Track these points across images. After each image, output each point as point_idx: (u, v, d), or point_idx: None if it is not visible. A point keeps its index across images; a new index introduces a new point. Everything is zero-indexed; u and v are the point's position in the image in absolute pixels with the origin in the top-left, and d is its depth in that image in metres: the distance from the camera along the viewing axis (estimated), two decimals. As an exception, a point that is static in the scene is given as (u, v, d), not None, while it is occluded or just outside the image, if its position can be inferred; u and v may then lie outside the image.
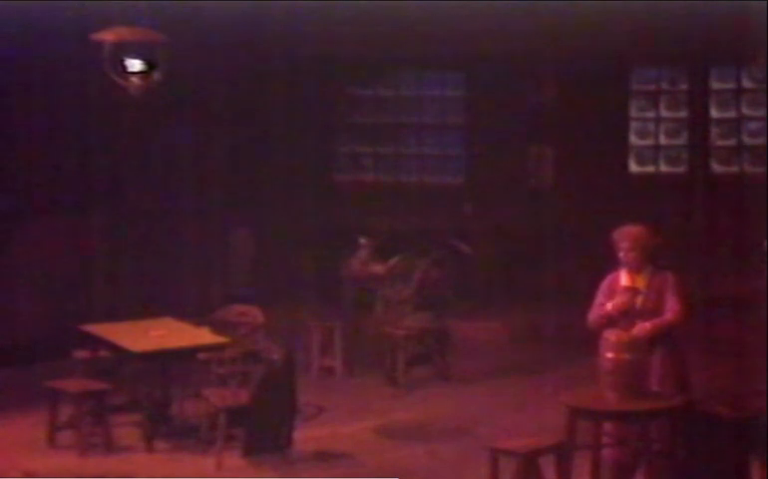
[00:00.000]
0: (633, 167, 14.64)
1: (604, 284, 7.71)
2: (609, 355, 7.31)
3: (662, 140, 14.62)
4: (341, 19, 13.45)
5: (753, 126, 14.10)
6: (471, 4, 13.02)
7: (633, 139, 14.66)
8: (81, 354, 9.66)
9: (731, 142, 14.26)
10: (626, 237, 7.62)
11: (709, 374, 8.85)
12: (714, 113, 14.36)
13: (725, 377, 9.45)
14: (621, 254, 7.61)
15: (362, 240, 12.28)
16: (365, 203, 14.74)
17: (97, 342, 9.44)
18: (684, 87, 14.47)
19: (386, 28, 13.79)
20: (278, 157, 14.69)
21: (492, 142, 14.68)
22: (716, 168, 14.33)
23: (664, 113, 14.60)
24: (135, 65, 9.29)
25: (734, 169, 14.18)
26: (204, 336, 9.40)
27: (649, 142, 14.65)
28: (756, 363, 9.29)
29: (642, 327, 7.42)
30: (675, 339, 7.61)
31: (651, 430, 7.33)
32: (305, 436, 9.13)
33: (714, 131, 14.37)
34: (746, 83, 14.20)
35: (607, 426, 7.42)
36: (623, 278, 7.64)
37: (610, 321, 7.55)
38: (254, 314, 9.69)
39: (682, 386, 7.55)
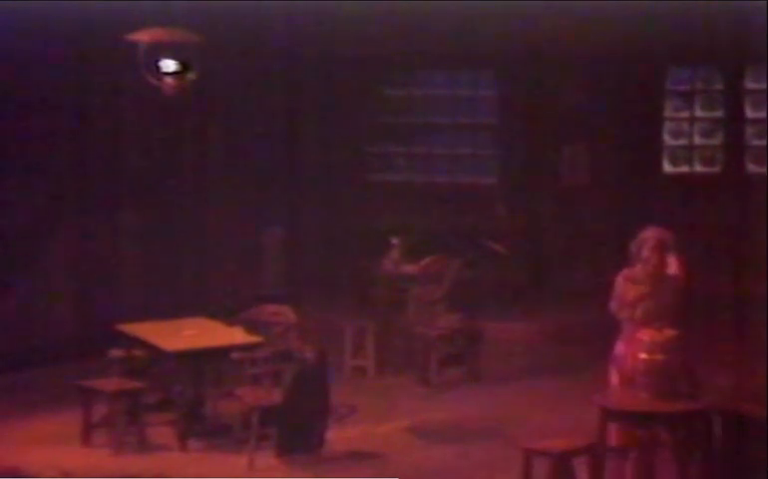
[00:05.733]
0: (667, 167, 14.56)
1: (621, 277, 7.66)
2: (643, 356, 7.31)
3: (697, 140, 14.53)
4: (374, 19, 13.46)
5: (789, 125, 14.00)
6: (504, 3, 12.99)
7: (667, 139, 14.58)
8: (115, 353, 9.71)
9: (766, 142, 14.15)
10: (650, 242, 7.60)
11: (738, 373, 8.80)
12: (749, 112, 14.26)
13: (754, 376, 9.37)
14: (646, 255, 7.58)
15: (394, 241, 12.27)
16: (397, 203, 14.75)
17: (131, 342, 9.50)
18: (719, 86, 14.38)
19: (418, 28, 13.79)
20: (311, 157, 14.72)
21: (525, 141, 14.65)
22: (751, 167, 14.23)
23: (699, 113, 14.51)
24: (169, 65, 9.32)
25: (770, 169, 14.08)
26: (237, 336, 9.44)
27: (684, 142, 14.56)
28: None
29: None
30: (685, 337, 7.57)
31: (684, 431, 7.29)
32: (337, 436, 9.14)
33: (749, 130, 14.27)
34: (781, 82, 14.09)
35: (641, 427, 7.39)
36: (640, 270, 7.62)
37: (635, 312, 7.50)
38: (287, 314, 9.72)
39: (695, 385, 7.51)
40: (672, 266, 7.60)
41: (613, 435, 7.40)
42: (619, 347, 7.67)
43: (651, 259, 7.54)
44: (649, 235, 7.63)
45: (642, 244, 7.61)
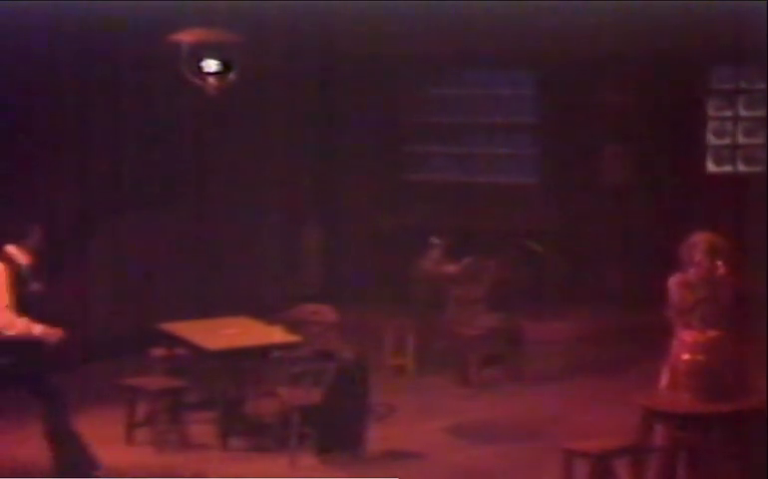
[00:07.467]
0: (711, 167, 14.45)
1: (674, 283, 7.59)
2: (685, 357, 7.27)
3: (740, 139, 14.40)
4: (411, 19, 13.46)
5: (833, 124, 13.84)
6: (544, 3, 12.95)
7: (711, 138, 14.46)
8: (157, 352, 9.79)
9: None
10: (701, 245, 7.53)
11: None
12: (793, 111, 14.11)
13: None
14: (699, 259, 7.52)
15: (434, 240, 12.27)
16: (438, 202, 14.73)
17: (172, 340, 9.56)
18: (763, 85, 14.24)
19: (457, 27, 13.77)
20: (350, 157, 14.74)
21: (566, 141, 14.59)
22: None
23: (743, 112, 14.38)
24: (211, 65, 9.38)
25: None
26: (277, 335, 9.48)
27: (727, 141, 14.44)
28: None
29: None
30: (734, 339, 7.50)
31: (724, 432, 7.24)
32: (377, 435, 9.15)
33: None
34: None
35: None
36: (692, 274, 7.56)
37: (692, 317, 7.44)
38: (327, 313, 9.74)
39: (744, 386, 7.44)
40: (722, 270, 7.54)
41: (657, 436, 7.36)
42: (672, 349, 7.60)
43: (704, 263, 7.47)
44: (700, 238, 7.56)
45: (694, 248, 7.54)
